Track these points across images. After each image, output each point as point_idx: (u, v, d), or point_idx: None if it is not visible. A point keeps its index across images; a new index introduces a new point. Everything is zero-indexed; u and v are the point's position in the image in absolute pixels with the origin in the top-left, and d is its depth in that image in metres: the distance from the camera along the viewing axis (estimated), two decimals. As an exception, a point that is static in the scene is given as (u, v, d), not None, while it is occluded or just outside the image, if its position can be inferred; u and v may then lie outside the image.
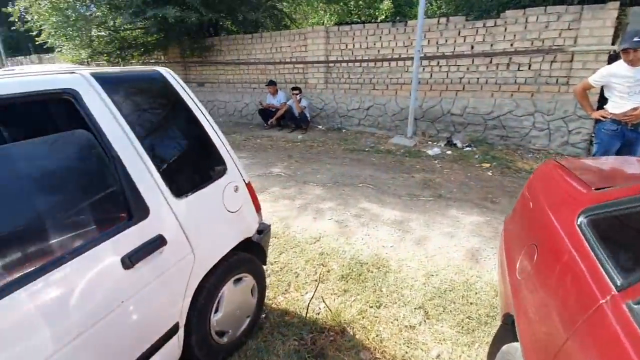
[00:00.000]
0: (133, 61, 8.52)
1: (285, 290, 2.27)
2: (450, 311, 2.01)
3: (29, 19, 6.80)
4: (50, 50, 9.17)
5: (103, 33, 7.57)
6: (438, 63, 5.80)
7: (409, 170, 4.47)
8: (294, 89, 6.64)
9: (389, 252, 2.62)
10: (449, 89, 5.75)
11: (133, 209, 1.14)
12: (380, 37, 6.15)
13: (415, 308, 2.04)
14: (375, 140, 6.02)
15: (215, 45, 8.11)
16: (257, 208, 1.78)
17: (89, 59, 7.88)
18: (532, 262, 1.23)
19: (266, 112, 7.16)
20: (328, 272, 2.42)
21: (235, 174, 1.62)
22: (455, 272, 2.36)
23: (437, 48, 5.73)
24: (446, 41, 5.63)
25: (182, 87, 1.47)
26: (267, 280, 2.34)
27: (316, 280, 2.33)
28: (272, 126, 7.18)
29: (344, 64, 6.66)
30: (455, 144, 5.46)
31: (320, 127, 7.12)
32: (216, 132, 1.55)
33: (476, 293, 2.15)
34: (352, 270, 2.41)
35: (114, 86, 1.19)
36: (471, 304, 2.06)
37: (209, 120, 1.54)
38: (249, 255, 1.75)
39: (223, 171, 1.54)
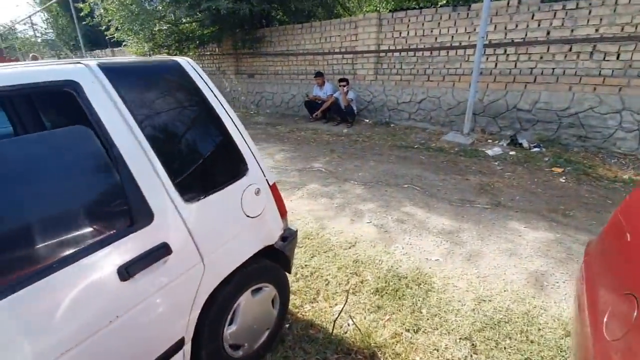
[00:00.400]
0: (189, 53, 8.89)
1: (313, 298, 2.10)
2: (504, 348, 1.68)
3: (98, 14, 7.39)
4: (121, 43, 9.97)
5: (164, 27, 7.97)
6: (505, 51, 5.13)
7: (463, 172, 4.01)
8: (341, 80, 6.39)
9: (433, 267, 2.32)
10: (516, 80, 5.08)
11: (135, 213, 1.03)
12: (439, 23, 5.61)
13: (460, 338, 1.75)
14: (426, 137, 5.57)
15: (266, 36, 8.12)
16: (283, 213, 1.61)
17: (151, 52, 8.38)
18: (629, 320, 0.89)
19: (312, 104, 7.01)
20: (361, 283, 2.20)
21: (257, 175, 1.46)
22: (514, 300, 1.99)
23: (505, 34, 5.07)
24: (516, 26, 4.95)
25: (203, 79, 1.33)
26: (295, 286, 2.20)
27: (347, 291, 2.13)
28: (317, 119, 7.03)
29: (396, 54, 6.23)
30: (520, 144, 4.82)
31: (367, 121, 6.80)
32: (238, 129, 1.40)
33: (539, 329, 1.78)
34: (389, 284, 2.16)
35: (123, 78, 1.08)
36: (532, 342, 1.71)
37: (231, 115, 1.39)
38: (271, 263, 1.60)
39: (243, 172, 1.39)
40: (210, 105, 1.32)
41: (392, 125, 6.41)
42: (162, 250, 1.07)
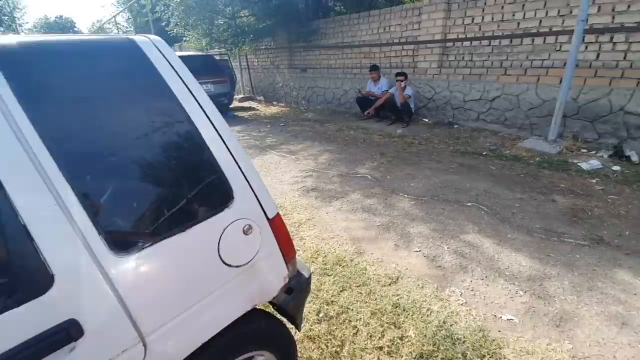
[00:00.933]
0: (245, 47, 8.86)
1: (335, 352, 1.63)
2: None
3: (158, 9, 7.64)
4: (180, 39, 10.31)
5: (221, 21, 8.00)
6: (611, 39, 4.03)
7: (548, 190, 3.17)
8: (398, 74, 5.72)
9: (504, 330, 1.69)
10: (625, 75, 3.96)
11: (20, 278, 0.65)
12: (524, 5, 4.64)
13: None
14: (498, 142, 4.68)
15: (321, 28, 7.70)
16: (289, 256, 1.16)
17: (208, 47, 8.50)
18: None
19: (365, 101, 6.44)
20: (400, 339, 1.66)
21: (250, 206, 1.02)
22: (638, 411, 1.30)
23: (613, 17, 3.97)
24: (628, 7, 3.83)
25: (173, 67, 0.92)
26: (316, 329, 1.75)
27: (380, 349, 1.61)
28: (369, 117, 6.44)
29: (466, 43, 5.36)
30: (627, 157, 3.75)
31: (426, 120, 6.03)
32: (224, 140, 0.97)
33: None
34: (438, 349, 1.59)
35: (19, 64, 0.71)
36: None
37: (214, 120, 0.97)
38: (267, 322, 1.16)
39: (225, 202, 0.96)
40: (179, 105, 0.90)
41: (455, 126, 5.58)
42: (63, 333, 0.68)
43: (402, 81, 5.64)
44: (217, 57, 9.73)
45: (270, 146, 5.11)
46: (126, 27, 19.73)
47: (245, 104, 9.62)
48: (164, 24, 8.07)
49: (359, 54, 7.14)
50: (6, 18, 21.38)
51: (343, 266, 2.23)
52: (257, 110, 8.74)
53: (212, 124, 0.96)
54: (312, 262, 2.29)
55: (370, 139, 5.25)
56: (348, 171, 3.90)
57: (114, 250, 0.75)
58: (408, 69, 6.18)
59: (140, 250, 0.79)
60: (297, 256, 2.32)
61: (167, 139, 0.88)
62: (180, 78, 0.92)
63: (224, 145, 0.97)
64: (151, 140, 0.85)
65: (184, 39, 8.80)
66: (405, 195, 3.19)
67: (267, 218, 1.07)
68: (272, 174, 3.93)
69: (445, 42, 5.61)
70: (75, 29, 31.71)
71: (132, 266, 0.78)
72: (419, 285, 2.02)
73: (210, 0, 7.09)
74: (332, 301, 1.94)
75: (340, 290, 2.02)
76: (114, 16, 19.20)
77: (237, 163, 0.99)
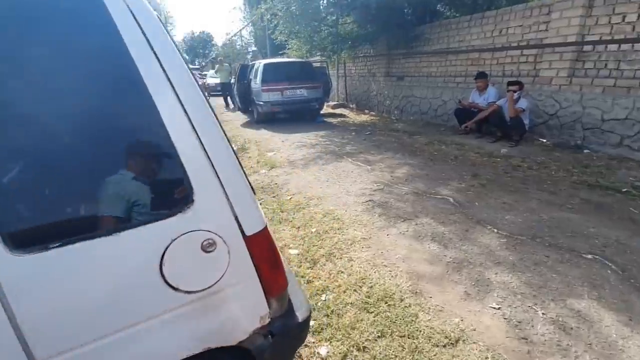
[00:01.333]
0: (343, 55, 8.86)
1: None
2: None
3: (265, 19, 8.20)
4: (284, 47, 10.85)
5: (324, 29, 8.16)
6: None
7: None
8: (511, 83, 4.80)
9: None
10: None
11: None
12: None
13: None
14: (649, 177, 3.44)
15: (425, 33, 7.13)
16: (273, 289, 0.86)
17: (307, 54, 8.77)
18: None
19: (464, 113, 5.63)
20: None
21: (217, 215, 0.77)
22: None
23: None
24: None
25: (139, 23, 0.73)
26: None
27: None
28: (467, 131, 5.60)
29: (612, 47, 4.15)
30: None
31: (544, 140, 4.91)
32: (191, 121, 0.75)
33: None
34: None
35: None
36: None
37: (185, 94, 0.75)
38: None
39: (178, 205, 0.73)
40: (134, 70, 0.71)
41: (586, 151, 4.37)
42: None
43: (515, 91, 4.71)
44: (319, 64, 10.04)
45: (348, 154, 4.86)
46: (247, 39, 22.43)
47: (337, 111, 9.63)
48: (269, 31, 8.68)
49: (466, 60, 6.33)
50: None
51: (389, 304, 1.80)
52: (347, 117, 8.62)
53: (179, 99, 0.73)
54: (354, 291, 1.93)
55: (464, 156, 4.51)
56: (426, 190, 3.35)
57: (9, 247, 0.59)
58: (526, 78, 5.16)
59: (44, 250, 0.62)
60: (320, 283, 1.99)
61: (100, 109, 0.70)
62: (144, 33, 0.72)
63: (192, 129, 0.74)
64: (75, 108, 0.67)
65: (287, 47, 9.31)
66: (495, 230, 2.52)
67: (244, 234, 0.80)
68: (340, 183, 3.67)
69: (582, 45, 4.47)
70: (213, 42, 37.54)
71: (31, 269, 0.61)
72: (487, 359, 1.46)
73: (313, 9, 7.29)
74: (364, 347, 1.56)
75: (379, 336, 1.61)
76: (240, 30, 21.93)
77: (208, 156, 0.76)
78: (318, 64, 10.10)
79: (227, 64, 10.48)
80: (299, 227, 2.71)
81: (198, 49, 37.94)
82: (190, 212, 0.73)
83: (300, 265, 2.21)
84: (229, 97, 10.78)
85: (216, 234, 0.76)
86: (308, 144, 5.60)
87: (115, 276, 0.68)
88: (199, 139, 0.75)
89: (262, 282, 0.84)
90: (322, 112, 8.47)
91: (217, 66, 10.89)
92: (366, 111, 9.28)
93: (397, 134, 6.20)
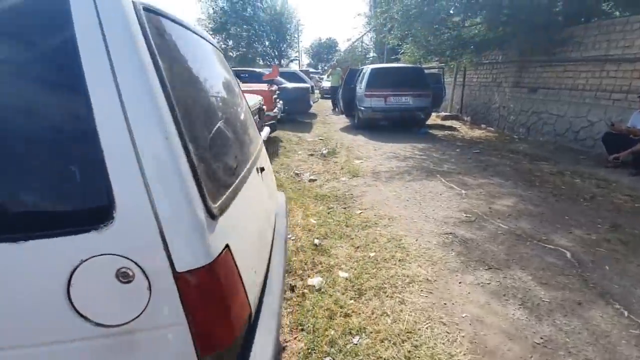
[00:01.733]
0: (464, 60, 7.93)
1: None
2: None
3: (379, 23, 7.88)
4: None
5: (444, 31, 7.45)
6: None
7: None
8: None
9: None
10: None
11: None
12: None
13: None
14: None
15: (575, 36, 5.73)
16: (209, 344, 0.69)
17: (421, 59, 8.14)
18: None
19: (617, 140, 4.28)
20: None
21: (142, 241, 0.63)
22: None
23: None
24: None
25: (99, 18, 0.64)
26: None
27: None
28: (618, 164, 4.23)
29: None
30: None
31: None
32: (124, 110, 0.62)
33: None
34: None
35: None
36: None
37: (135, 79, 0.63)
38: None
39: (92, 220, 0.62)
40: (73, 57, 0.62)
41: None
42: None
43: None
44: (435, 71, 9.27)
45: (443, 172, 4.26)
46: (367, 45, 22.73)
47: (447, 123, 8.70)
48: (382, 35, 8.41)
49: (631, 72, 4.80)
50: (288, 38, 29.01)
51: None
52: (457, 130, 7.68)
53: (119, 91, 0.61)
54: (394, 344, 1.58)
55: (604, 197, 3.39)
56: (534, 234, 2.61)
57: None
58: None
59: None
60: (358, 321, 1.66)
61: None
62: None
63: (128, 132, 0.61)
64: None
65: (401, 51, 8.86)
66: (625, 312, 1.74)
67: (174, 270, 0.64)
68: (421, 205, 3.20)
69: None
70: (337, 47, 39.41)
71: None
72: None
73: (434, 10, 6.68)
74: None
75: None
76: (362, 36, 22.24)
77: (141, 168, 0.62)
78: (435, 71, 9.34)
79: (339, 69, 10.71)
80: (357, 247, 2.44)
81: (323, 54, 40.35)
82: (107, 231, 0.61)
83: (345, 293, 1.95)
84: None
85: (135, 262, 0.62)
86: (401, 156, 5.17)
87: (13, 287, 0.61)
88: (134, 144, 0.62)
89: (194, 333, 0.66)
90: (428, 122, 7.79)
91: (329, 70, 11.25)
92: (482, 126, 8.11)
93: (515, 156, 5.16)
